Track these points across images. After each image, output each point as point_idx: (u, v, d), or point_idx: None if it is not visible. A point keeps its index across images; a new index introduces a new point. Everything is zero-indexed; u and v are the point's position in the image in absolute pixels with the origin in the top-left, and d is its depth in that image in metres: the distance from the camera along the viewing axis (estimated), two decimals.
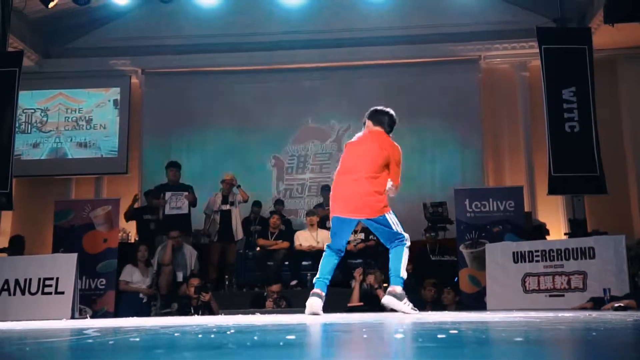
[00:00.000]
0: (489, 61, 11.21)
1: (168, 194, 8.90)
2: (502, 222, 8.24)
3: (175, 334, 2.08)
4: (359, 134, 4.96)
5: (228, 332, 2.11)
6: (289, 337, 1.81)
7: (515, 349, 1.33)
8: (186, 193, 8.94)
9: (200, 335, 1.98)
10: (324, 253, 4.86)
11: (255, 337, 1.83)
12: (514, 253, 7.19)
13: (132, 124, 11.07)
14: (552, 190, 7.81)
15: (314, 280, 4.81)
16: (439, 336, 1.73)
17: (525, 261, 7.11)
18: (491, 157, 11.04)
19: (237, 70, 11.36)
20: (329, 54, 11.08)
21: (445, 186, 10.14)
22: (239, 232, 9.05)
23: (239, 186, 9.18)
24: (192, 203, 9.02)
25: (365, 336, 1.80)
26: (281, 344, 1.57)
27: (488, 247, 7.54)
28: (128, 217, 9.34)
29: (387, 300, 4.56)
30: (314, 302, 4.58)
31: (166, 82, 11.36)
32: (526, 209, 9.02)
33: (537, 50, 8.52)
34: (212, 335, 1.96)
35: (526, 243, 7.39)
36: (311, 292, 4.69)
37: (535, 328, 2.14)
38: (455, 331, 1.91)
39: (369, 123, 4.88)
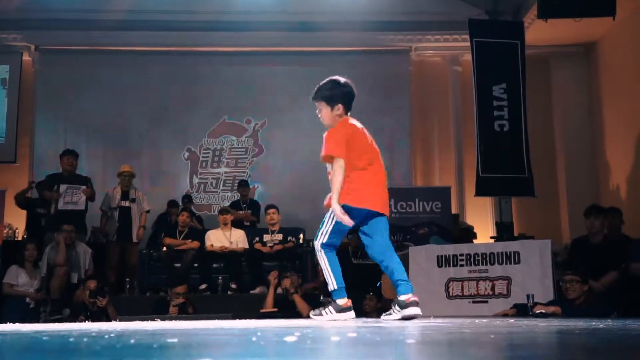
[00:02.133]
0: (420, 53, 11.44)
1: (63, 187, 8.58)
2: (428, 223, 8.45)
3: (44, 338, 2.02)
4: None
5: (105, 337, 2.06)
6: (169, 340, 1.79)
7: (400, 349, 1.37)
8: (84, 187, 8.66)
9: (71, 339, 1.93)
10: (330, 254, 4.16)
11: (132, 341, 1.80)
12: (438, 257, 7.35)
13: (22, 107, 10.61)
14: (479, 192, 8.08)
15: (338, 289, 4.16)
16: (332, 339, 1.75)
17: (449, 265, 7.28)
18: (420, 155, 11.28)
19: (146, 50, 11.13)
20: (244, 38, 10.98)
21: None
22: (136, 233, 8.88)
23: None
24: (90, 198, 8.76)
25: (253, 339, 1.80)
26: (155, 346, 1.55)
27: (412, 250, 7.68)
28: (20, 203, 8.91)
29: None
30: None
31: (63, 60, 10.98)
32: (453, 210, 9.29)
33: (469, 44, 8.80)
34: (85, 339, 1.91)
35: (451, 246, 7.58)
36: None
37: (436, 332, 2.20)
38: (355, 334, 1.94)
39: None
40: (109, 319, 7.00)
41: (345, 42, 11.15)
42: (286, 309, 7.40)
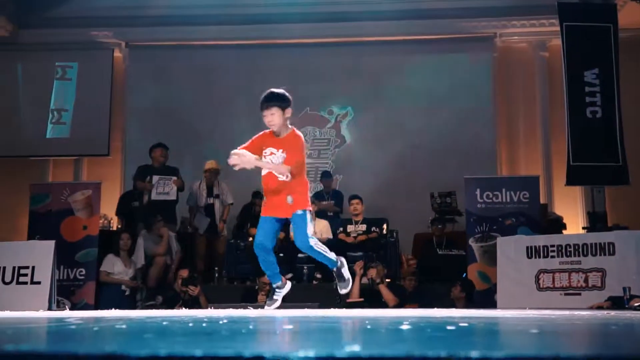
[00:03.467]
0: (505, 39, 11.19)
1: (155, 178, 8.89)
2: (515, 214, 8.26)
3: (164, 323, 2.10)
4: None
5: (220, 322, 2.14)
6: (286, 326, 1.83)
7: (532, 339, 1.36)
8: (174, 178, 8.95)
9: (190, 324, 2.00)
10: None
11: (250, 326, 1.86)
12: (527, 248, 7.21)
13: (114, 102, 11.04)
14: (570, 181, 7.85)
15: None
16: (448, 328, 1.76)
17: (539, 257, 7.13)
18: (505, 144, 11.05)
19: (230, 44, 11.33)
20: (328, 29, 11.05)
21: (454, 175, 10.13)
22: (220, 226, 9.13)
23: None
24: (180, 188, 9.04)
25: (368, 327, 1.83)
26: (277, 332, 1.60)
27: (500, 240, 7.56)
28: (119, 211, 9.38)
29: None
30: None
31: (152, 55, 11.34)
32: (542, 200, 9.04)
33: (558, 28, 8.53)
34: (204, 325, 1.98)
35: (541, 237, 7.41)
36: None
37: (550, 323, 2.17)
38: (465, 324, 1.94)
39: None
40: (200, 307, 7.22)
41: (428, 30, 11.02)
42: (372, 299, 7.42)
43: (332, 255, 4.80)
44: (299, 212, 4.59)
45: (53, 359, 0.92)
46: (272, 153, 4.72)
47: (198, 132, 11.11)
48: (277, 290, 4.91)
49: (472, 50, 11.08)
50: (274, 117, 4.64)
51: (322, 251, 4.75)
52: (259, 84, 10.84)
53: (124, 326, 1.91)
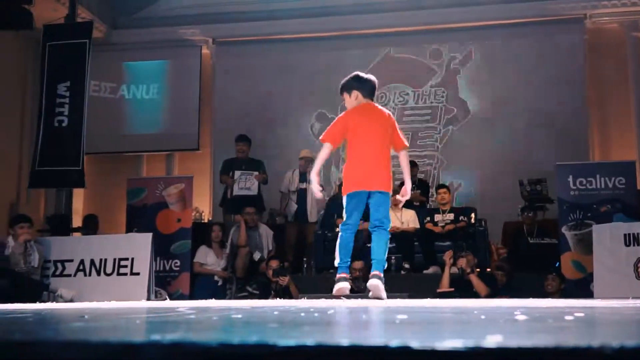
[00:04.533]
0: (595, 20, 10.79)
1: (237, 173, 9.03)
2: (610, 201, 7.97)
3: (275, 312, 2.15)
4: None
5: (329, 312, 2.17)
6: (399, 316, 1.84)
7: None
8: (256, 173, 9.05)
9: (302, 314, 2.04)
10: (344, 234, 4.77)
11: (364, 317, 1.88)
12: (625, 235, 6.96)
13: (203, 97, 11.33)
14: None
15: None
16: (567, 318, 1.72)
17: (638, 244, 6.88)
18: (597, 129, 10.67)
19: (314, 37, 11.40)
20: (410, 17, 10.96)
21: (544, 161, 9.88)
22: (312, 213, 9.16)
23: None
24: (264, 182, 9.16)
25: (482, 317, 1.82)
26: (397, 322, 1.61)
27: (595, 228, 7.32)
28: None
29: (374, 283, 4.48)
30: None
31: (238, 51, 11.55)
32: (639, 186, 8.69)
33: None
34: (316, 315, 2.02)
35: (639, 224, 7.14)
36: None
37: None
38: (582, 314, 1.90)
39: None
40: (291, 297, 7.32)
41: (516, 14, 10.76)
42: (462, 289, 7.33)
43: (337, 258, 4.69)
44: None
45: (205, 350, 0.96)
46: None
47: (284, 125, 11.25)
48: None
49: (562, 33, 10.74)
50: (345, 103, 4.81)
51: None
52: (341, 75, 11.00)
53: (239, 316, 1.96)
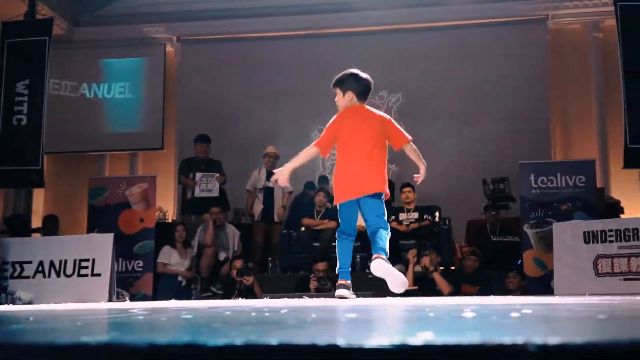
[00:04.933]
0: (558, 21, 10.96)
1: (198, 175, 8.99)
2: (571, 199, 8.09)
3: (227, 312, 2.14)
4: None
5: (281, 312, 2.16)
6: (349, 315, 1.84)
7: (603, 326, 1.34)
8: (217, 174, 9.03)
9: (253, 314, 2.03)
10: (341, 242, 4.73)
11: (314, 316, 1.88)
12: (585, 233, 7.06)
13: (167, 96, 11.24)
14: (628, 164, 7.64)
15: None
16: (512, 315, 1.74)
17: (597, 242, 6.98)
18: (559, 128, 10.84)
19: (280, 35, 11.38)
20: (378, 17, 11.01)
21: (507, 160, 9.99)
22: (278, 212, 9.16)
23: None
24: (223, 183, 9.14)
25: (431, 315, 1.82)
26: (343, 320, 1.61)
27: (556, 226, 7.42)
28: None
29: (378, 263, 4.33)
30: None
31: (203, 49, 11.48)
32: (598, 184, 8.84)
33: (610, 9, 8.30)
34: (267, 314, 2.01)
35: (599, 222, 7.25)
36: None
37: (614, 308, 2.13)
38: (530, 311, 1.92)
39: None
40: (255, 297, 7.31)
41: (479, 14, 10.87)
42: (426, 287, 7.40)
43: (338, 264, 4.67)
44: None
45: (133, 351, 0.95)
46: None
47: (248, 123, 11.20)
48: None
49: (525, 33, 10.89)
50: (337, 100, 4.63)
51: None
52: (309, 74, 11.02)
53: (189, 316, 1.94)
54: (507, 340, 0.85)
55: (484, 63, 10.82)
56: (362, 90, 4.57)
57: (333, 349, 0.87)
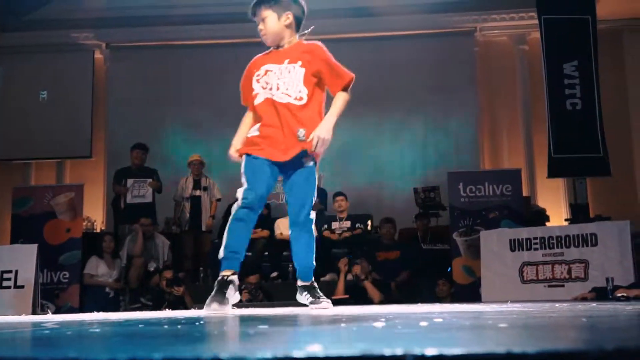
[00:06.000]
0: (485, 33, 11.25)
1: (130, 181, 8.86)
2: (498, 207, 8.29)
3: (139, 325, 2.10)
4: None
5: (197, 324, 2.14)
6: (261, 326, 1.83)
7: (498, 334, 1.37)
8: (150, 180, 8.89)
9: (166, 326, 2.00)
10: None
11: (224, 328, 1.86)
12: (510, 240, 7.24)
13: (95, 103, 10.99)
14: (552, 173, 7.90)
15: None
16: (421, 324, 1.76)
17: (523, 249, 7.17)
18: (487, 138, 11.11)
19: (213, 44, 11.29)
20: (307, 26, 11.01)
21: (437, 169, 10.19)
22: (207, 222, 9.05)
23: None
24: (158, 190, 8.99)
25: (342, 325, 1.83)
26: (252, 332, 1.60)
27: (483, 234, 7.58)
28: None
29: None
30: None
31: (133, 56, 11.29)
32: (525, 193, 9.10)
33: (537, 22, 8.58)
34: (179, 326, 1.98)
35: (524, 230, 7.45)
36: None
37: (524, 316, 2.18)
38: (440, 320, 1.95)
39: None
40: (186, 307, 7.21)
41: (410, 26, 11.03)
42: (357, 296, 7.44)
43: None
44: (310, 162, 3.47)
45: None
46: (268, 71, 3.50)
47: (181, 131, 11.08)
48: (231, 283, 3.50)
49: (453, 44, 11.12)
50: (265, 24, 3.54)
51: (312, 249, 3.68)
52: (234, 80, 10.92)
53: (97, 330, 1.90)
54: (387, 351, 0.86)
55: (414, 74, 10.98)
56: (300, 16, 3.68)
57: None
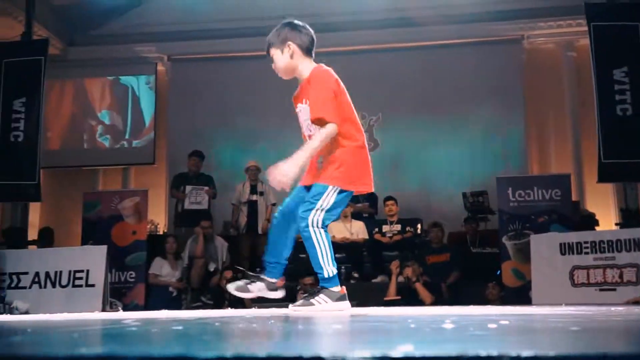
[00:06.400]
0: (532, 41, 11.08)
1: (188, 188, 9.02)
2: (547, 212, 8.16)
3: (216, 324, 2.14)
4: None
5: (269, 322, 2.17)
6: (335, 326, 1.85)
7: (572, 337, 1.36)
8: (206, 188, 9.05)
9: (241, 325, 2.04)
10: (328, 235, 3.44)
11: (300, 327, 1.88)
12: (561, 244, 7.10)
13: (158, 113, 11.24)
14: (602, 178, 7.70)
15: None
16: (490, 326, 1.75)
17: (573, 253, 7.02)
18: (535, 144, 10.93)
19: (264, 55, 11.38)
20: (358, 37, 11.06)
21: (486, 174, 10.07)
22: (262, 225, 9.14)
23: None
24: (213, 197, 9.16)
25: (412, 326, 1.84)
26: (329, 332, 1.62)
27: (533, 238, 7.46)
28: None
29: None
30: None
31: (192, 68, 11.51)
32: (574, 198, 8.92)
33: (584, 29, 8.41)
34: (254, 325, 2.01)
35: (574, 234, 7.30)
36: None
37: (589, 320, 2.15)
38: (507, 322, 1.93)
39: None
40: (244, 307, 7.28)
41: (457, 35, 10.95)
42: (408, 297, 7.40)
43: (329, 269, 3.34)
44: (320, 185, 3.34)
45: None
46: (299, 111, 3.53)
47: (236, 138, 11.23)
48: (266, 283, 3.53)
49: (501, 52, 10.99)
50: (274, 63, 3.57)
51: (321, 250, 3.32)
52: (294, 90, 11.02)
53: (180, 327, 1.94)
54: (482, 352, 0.87)
55: (462, 82, 10.89)
56: (309, 44, 3.63)
57: None
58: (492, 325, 1.75)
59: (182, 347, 1.11)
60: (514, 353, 0.86)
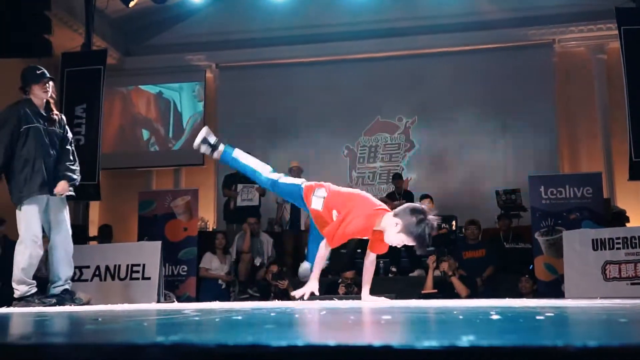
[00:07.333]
0: (564, 44, 10.88)
1: (240, 186, 9.09)
2: (579, 209, 7.98)
3: (272, 314, 2.14)
4: None
5: (321, 313, 2.16)
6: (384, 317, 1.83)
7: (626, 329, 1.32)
8: (256, 185, 9.11)
9: (297, 316, 2.03)
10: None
11: (352, 317, 1.87)
12: (593, 240, 6.95)
13: (207, 117, 11.37)
14: (633, 176, 7.52)
15: None
16: (538, 317, 1.72)
17: (605, 248, 6.86)
18: (566, 143, 10.73)
19: (308, 62, 11.45)
20: (395, 43, 11.03)
21: (518, 173, 9.93)
22: (305, 222, 9.15)
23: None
24: (262, 194, 9.21)
25: (460, 317, 1.81)
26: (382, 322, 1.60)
27: (566, 234, 7.31)
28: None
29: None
30: None
31: (239, 75, 11.62)
32: (605, 195, 8.72)
33: (615, 32, 8.23)
34: (309, 316, 2.01)
35: (606, 230, 7.13)
36: None
37: (632, 312, 2.09)
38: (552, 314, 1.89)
39: None
40: (289, 299, 7.30)
41: (490, 40, 10.83)
42: (444, 290, 7.33)
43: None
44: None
45: (204, 350, 0.95)
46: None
47: (281, 139, 11.28)
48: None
49: (533, 56, 10.82)
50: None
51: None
52: (336, 97, 11.07)
53: (239, 317, 1.95)
54: (548, 342, 0.84)
55: (494, 85, 10.77)
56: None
57: (389, 350, 0.87)
58: (540, 317, 1.71)
59: (252, 336, 1.11)
60: (579, 343, 0.83)
